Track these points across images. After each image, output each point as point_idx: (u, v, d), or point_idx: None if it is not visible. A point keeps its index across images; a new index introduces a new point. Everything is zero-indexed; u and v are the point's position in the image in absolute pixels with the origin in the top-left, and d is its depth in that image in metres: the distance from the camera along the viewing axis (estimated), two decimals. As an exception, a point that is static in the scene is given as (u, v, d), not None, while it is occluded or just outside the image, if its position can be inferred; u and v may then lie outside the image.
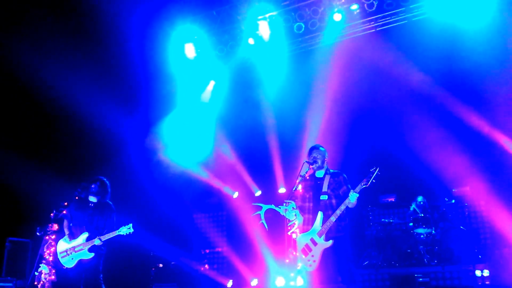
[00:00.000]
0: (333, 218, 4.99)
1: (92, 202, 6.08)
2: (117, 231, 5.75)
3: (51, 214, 7.03)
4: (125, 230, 5.73)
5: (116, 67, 9.46)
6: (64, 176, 8.23)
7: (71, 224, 6.03)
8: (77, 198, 6.11)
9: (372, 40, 8.64)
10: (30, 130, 9.31)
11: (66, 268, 5.89)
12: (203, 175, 9.80)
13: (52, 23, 8.73)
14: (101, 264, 5.94)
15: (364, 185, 4.89)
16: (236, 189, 9.76)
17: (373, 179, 4.88)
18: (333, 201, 5.14)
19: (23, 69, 8.50)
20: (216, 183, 9.81)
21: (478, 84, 7.75)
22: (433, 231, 7.71)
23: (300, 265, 5.26)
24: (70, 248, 5.88)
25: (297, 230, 5.36)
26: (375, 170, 4.92)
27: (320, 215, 5.08)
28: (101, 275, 5.92)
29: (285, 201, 5.27)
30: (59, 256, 5.94)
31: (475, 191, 8.05)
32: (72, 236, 5.95)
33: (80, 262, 5.83)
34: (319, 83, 8.87)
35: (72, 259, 5.84)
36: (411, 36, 8.31)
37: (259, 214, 6.87)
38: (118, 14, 8.70)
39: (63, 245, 5.96)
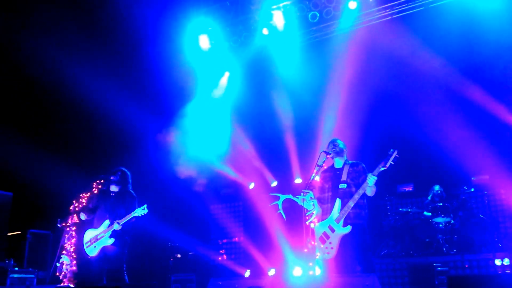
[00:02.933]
0: (351, 203, 4.96)
1: (113, 192, 6.18)
2: (132, 213, 5.80)
3: (71, 207, 7.16)
4: (140, 211, 5.78)
5: (132, 60, 9.51)
6: (83, 169, 8.34)
7: (95, 215, 6.13)
8: (95, 190, 6.21)
9: (388, 28, 8.52)
10: (49, 123, 9.43)
11: (90, 257, 5.99)
12: (220, 167, 9.83)
13: (69, 17, 8.80)
14: (125, 255, 6.01)
15: (382, 167, 4.84)
16: (252, 180, 9.78)
17: (391, 161, 4.82)
18: (353, 189, 5.11)
19: (42, 64, 8.59)
20: (232, 174, 9.84)
21: (498, 70, 7.61)
22: (452, 220, 7.63)
23: (318, 254, 5.26)
24: (93, 238, 6.00)
25: (315, 220, 5.35)
26: (393, 152, 4.86)
27: (338, 202, 5.08)
28: (125, 265, 5.99)
29: (303, 190, 5.26)
30: (84, 246, 6.06)
31: (494, 179, 7.93)
32: (96, 225, 6.06)
33: (103, 250, 5.92)
34: (335, 72, 8.78)
35: (95, 247, 5.95)
36: (428, 23, 8.17)
37: (277, 204, 6.86)
38: (132, 6, 8.72)
39: (88, 235, 6.09)
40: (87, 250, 6.03)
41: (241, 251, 9.67)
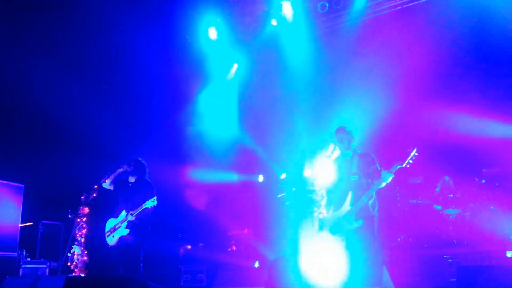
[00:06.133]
0: (365, 198, 4.90)
1: (131, 182, 6.22)
2: (143, 204, 5.81)
3: (82, 197, 7.23)
4: (150, 203, 5.78)
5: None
6: (94, 160, 8.39)
7: (115, 205, 6.19)
8: (104, 182, 6.23)
9: (399, 18, 8.44)
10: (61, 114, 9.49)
11: (110, 246, 6.04)
12: (229, 159, 9.84)
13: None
14: (142, 245, 6.00)
15: (399, 165, 4.76)
16: (261, 172, 9.77)
17: (410, 159, 4.72)
18: (363, 181, 5.06)
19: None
20: (241, 167, 9.85)
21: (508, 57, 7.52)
22: (462, 212, 7.57)
23: (327, 244, 5.24)
24: (112, 228, 6.06)
25: (324, 210, 5.34)
26: (412, 150, 4.76)
27: (350, 194, 5.03)
28: (142, 257, 5.99)
29: (311, 181, 5.25)
30: (105, 236, 6.13)
31: (506, 171, 7.84)
32: (115, 215, 6.12)
33: (121, 240, 5.95)
34: (345, 63, 8.72)
35: (113, 237, 6.00)
36: (440, 11, 8.07)
37: (285, 195, 6.88)
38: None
39: (108, 225, 6.16)
40: (107, 240, 6.10)
41: (250, 242, 9.69)
